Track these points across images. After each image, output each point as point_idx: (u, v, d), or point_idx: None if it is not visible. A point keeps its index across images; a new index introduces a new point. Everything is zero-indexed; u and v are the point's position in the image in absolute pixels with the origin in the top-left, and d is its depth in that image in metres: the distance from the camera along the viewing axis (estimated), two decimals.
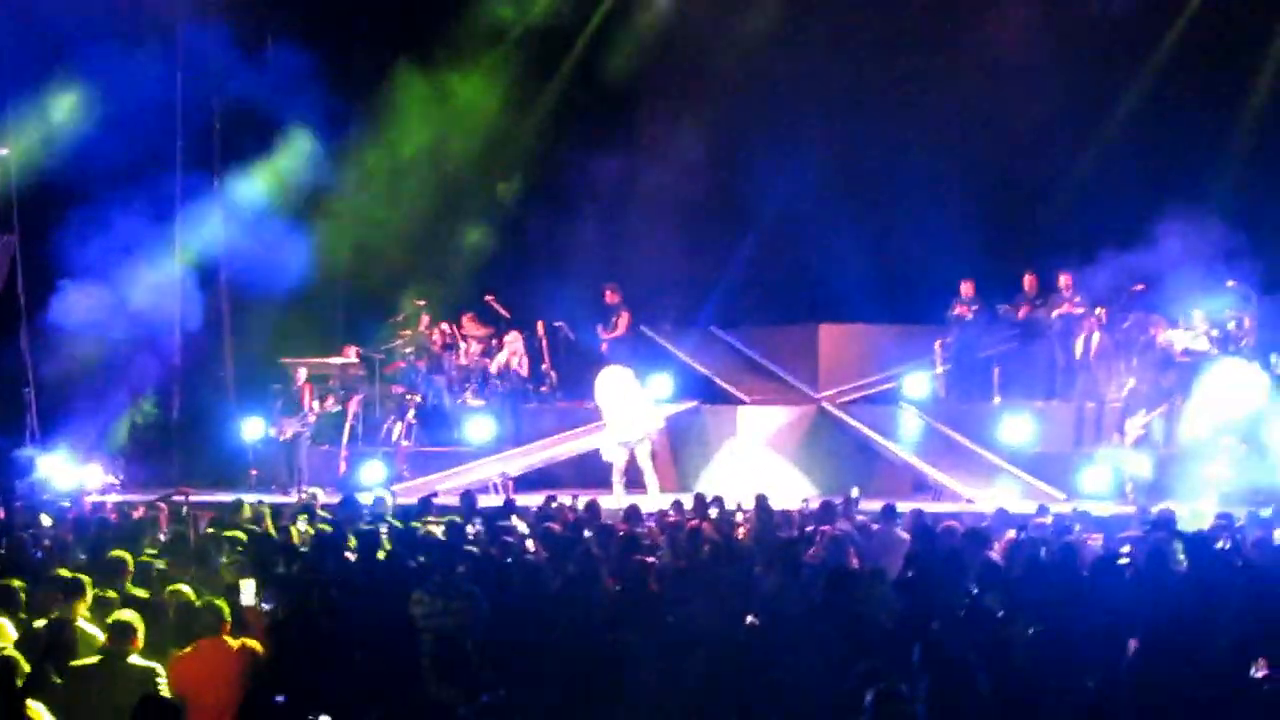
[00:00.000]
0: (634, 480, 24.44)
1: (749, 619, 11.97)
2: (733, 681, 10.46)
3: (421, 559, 14.45)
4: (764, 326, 29.80)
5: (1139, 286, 24.87)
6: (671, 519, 17.98)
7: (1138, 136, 27.20)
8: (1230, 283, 23.88)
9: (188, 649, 11.31)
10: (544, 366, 28.63)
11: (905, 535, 17.03)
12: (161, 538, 17.45)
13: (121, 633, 10.74)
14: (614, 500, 22.39)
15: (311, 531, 17.18)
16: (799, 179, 28.91)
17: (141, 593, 12.86)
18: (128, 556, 13.83)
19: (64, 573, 12.65)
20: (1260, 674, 10.62)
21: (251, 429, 26.44)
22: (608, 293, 28.15)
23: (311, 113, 28.77)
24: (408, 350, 28.30)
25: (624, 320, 27.84)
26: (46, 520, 19.05)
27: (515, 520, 17.91)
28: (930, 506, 20.66)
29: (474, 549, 15.40)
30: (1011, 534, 16.48)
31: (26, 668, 10.32)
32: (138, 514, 19.53)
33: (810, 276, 29.57)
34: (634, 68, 30.95)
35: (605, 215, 29.64)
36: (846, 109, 29.12)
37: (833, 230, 27.78)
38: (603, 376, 24.97)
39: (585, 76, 31.34)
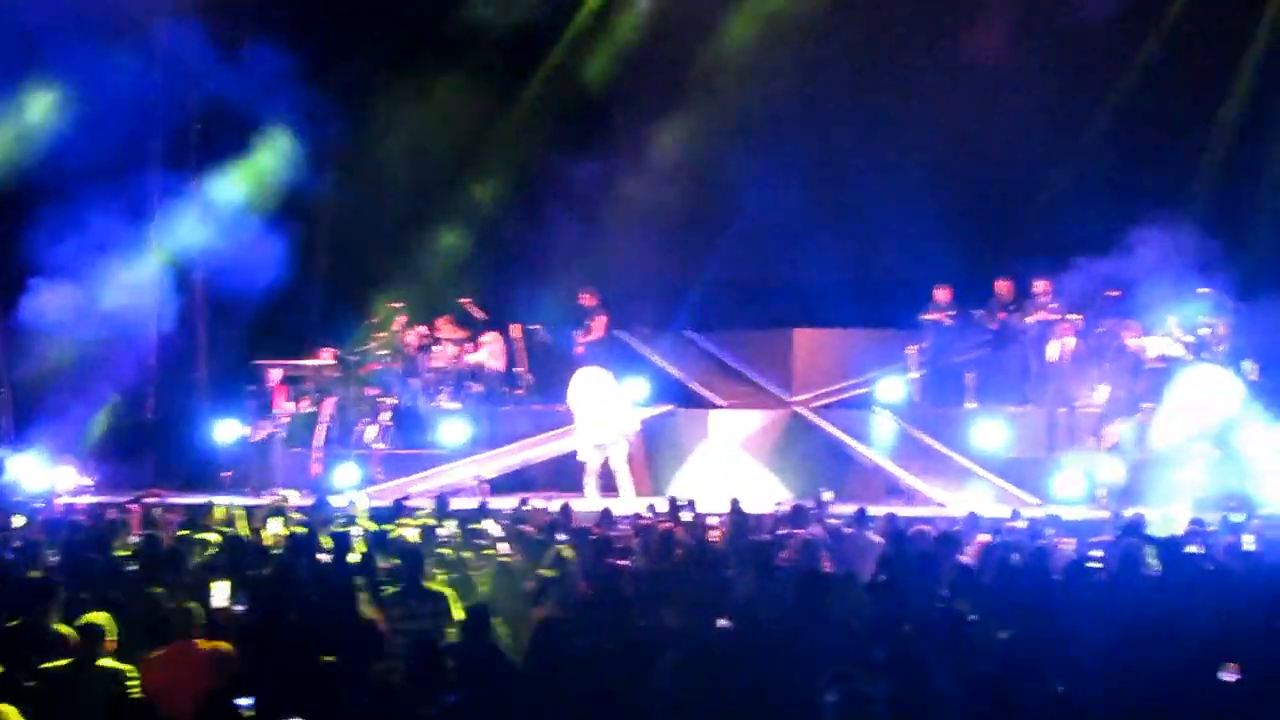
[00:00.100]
0: (607, 484, 24.48)
1: (721, 622, 11.97)
2: (705, 685, 10.45)
3: (395, 561, 14.44)
4: (738, 330, 29.78)
5: (1113, 293, 24.91)
6: (645, 522, 18.01)
7: (1113, 144, 27.33)
8: (1204, 289, 23.96)
9: (159, 651, 11.29)
10: (519, 369, 28.63)
11: (877, 539, 17.07)
12: (133, 539, 17.40)
13: (93, 635, 10.72)
14: (588, 503, 22.40)
15: (285, 533, 17.16)
16: (775, 184, 28.93)
17: (113, 595, 12.83)
18: (99, 558, 13.81)
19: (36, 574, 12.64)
20: (1230, 678, 10.65)
21: (225, 430, 26.38)
22: (583, 296, 28.11)
23: (289, 112, 28.68)
24: (383, 352, 28.23)
25: (599, 324, 27.81)
26: (18, 521, 19.00)
27: (488, 523, 17.90)
28: (903, 510, 20.67)
29: (446, 551, 15.45)
30: (984, 538, 16.54)
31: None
32: (110, 515, 19.48)
33: (785, 281, 29.58)
34: (612, 72, 31.01)
35: (581, 219, 29.60)
36: (823, 115, 29.19)
37: (808, 235, 27.84)
38: (578, 377, 25.02)
39: (563, 81, 31.36)
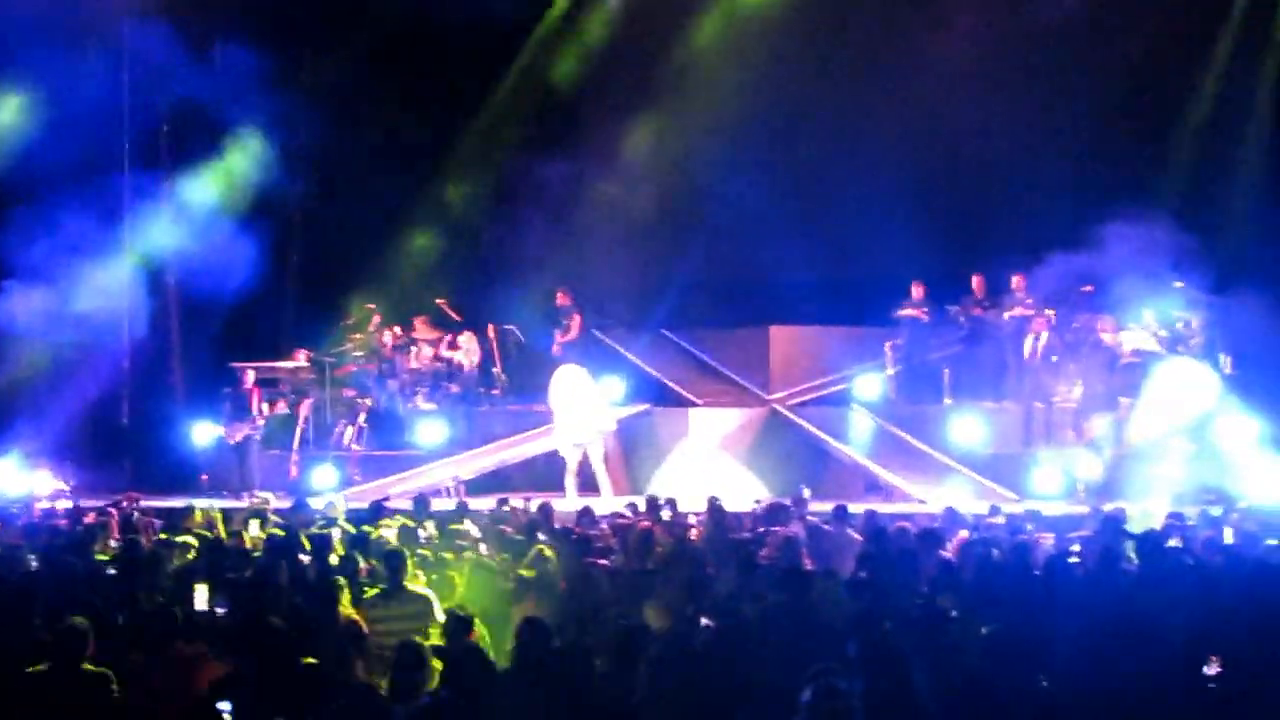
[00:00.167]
0: (586, 483, 24.49)
1: (703, 621, 11.97)
2: (687, 683, 10.45)
3: (374, 563, 14.41)
4: (715, 329, 29.81)
5: (1087, 288, 24.96)
6: (625, 521, 18.01)
7: (1085, 139, 27.35)
8: (1178, 283, 24.02)
9: (140, 656, 11.25)
10: (495, 369, 28.62)
11: (857, 536, 17.08)
12: (113, 543, 17.36)
13: (73, 640, 10.68)
14: (567, 502, 22.39)
15: (264, 536, 17.12)
16: (748, 182, 28.96)
17: (94, 599, 12.79)
18: (79, 562, 13.78)
19: None
20: (1212, 671, 10.67)
21: (202, 433, 26.31)
22: (559, 295, 28.12)
23: (260, 114, 28.64)
24: (358, 354, 28.22)
25: (576, 323, 27.81)
26: None
27: (467, 524, 17.88)
28: (882, 507, 20.68)
29: (427, 552, 15.43)
30: (964, 534, 16.56)
31: None
32: (88, 520, 19.42)
33: (760, 279, 29.59)
34: (582, 72, 31.02)
35: (555, 218, 29.62)
36: (794, 112, 29.26)
37: (782, 232, 27.84)
38: (559, 374, 25.05)
39: (534, 81, 31.36)
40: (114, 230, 28.11)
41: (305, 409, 26.86)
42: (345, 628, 11.76)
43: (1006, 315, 25.62)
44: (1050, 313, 24.97)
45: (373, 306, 28.78)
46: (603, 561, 15.26)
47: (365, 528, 17.20)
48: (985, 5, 28.66)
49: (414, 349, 28.38)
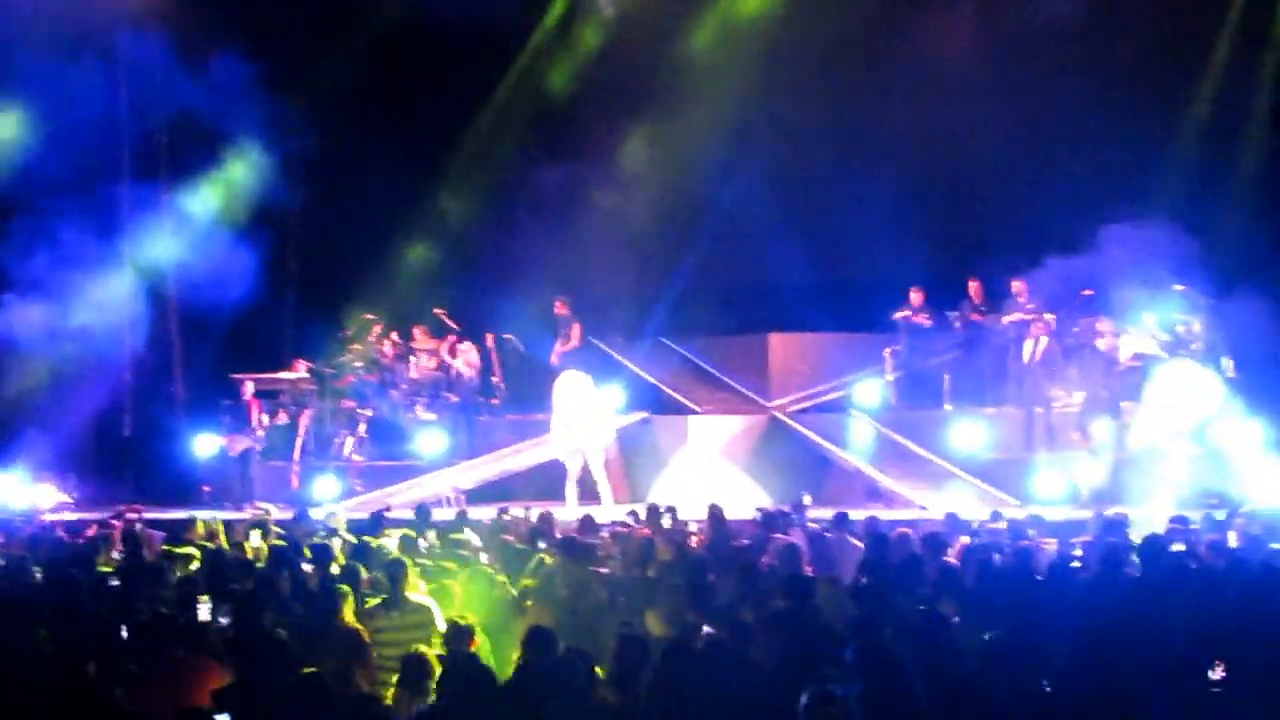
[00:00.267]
0: (586, 492, 24.48)
1: (704, 629, 11.95)
2: (689, 691, 10.43)
3: (376, 573, 14.39)
4: (714, 336, 29.82)
5: (1087, 292, 24.94)
6: (625, 529, 18.00)
7: (1084, 142, 27.31)
8: (1180, 287, 23.99)
9: (143, 666, 11.24)
10: (494, 379, 28.60)
11: (857, 543, 17.06)
12: (115, 555, 17.36)
13: (76, 651, 10.67)
14: (568, 511, 22.37)
15: (265, 547, 17.12)
16: (746, 188, 29.00)
17: (97, 611, 12.79)
18: (83, 575, 13.77)
19: None
20: (1216, 676, 10.65)
21: (203, 444, 26.31)
22: (558, 305, 28.11)
23: (258, 124, 28.65)
24: (358, 364, 28.22)
25: (576, 332, 27.81)
26: None
27: (468, 533, 17.88)
28: (883, 513, 20.66)
29: (428, 562, 15.42)
30: (965, 539, 16.55)
31: None
32: (91, 532, 19.42)
33: (759, 285, 29.63)
34: (580, 79, 31.02)
35: (553, 226, 29.61)
36: (791, 119, 29.22)
37: (781, 239, 27.87)
38: (562, 380, 25.05)
39: (530, 89, 31.38)
40: (113, 242, 28.12)
41: (306, 420, 26.87)
42: (346, 638, 11.76)
43: (1006, 320, 25.58)
44: (1050, 317, 24.93)
45: (372, 317, 28.77)
46: (604, 570, 15.24)
47: (366, 538, 17.18)
48: (983, 9, 28.70)
49: (413, 358, 28.36)
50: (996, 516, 18.69)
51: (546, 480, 25.57)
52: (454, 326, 28.55)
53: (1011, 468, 23.94)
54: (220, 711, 10.26)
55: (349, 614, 12.49)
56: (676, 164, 29.89)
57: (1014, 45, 27.97)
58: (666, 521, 18.52)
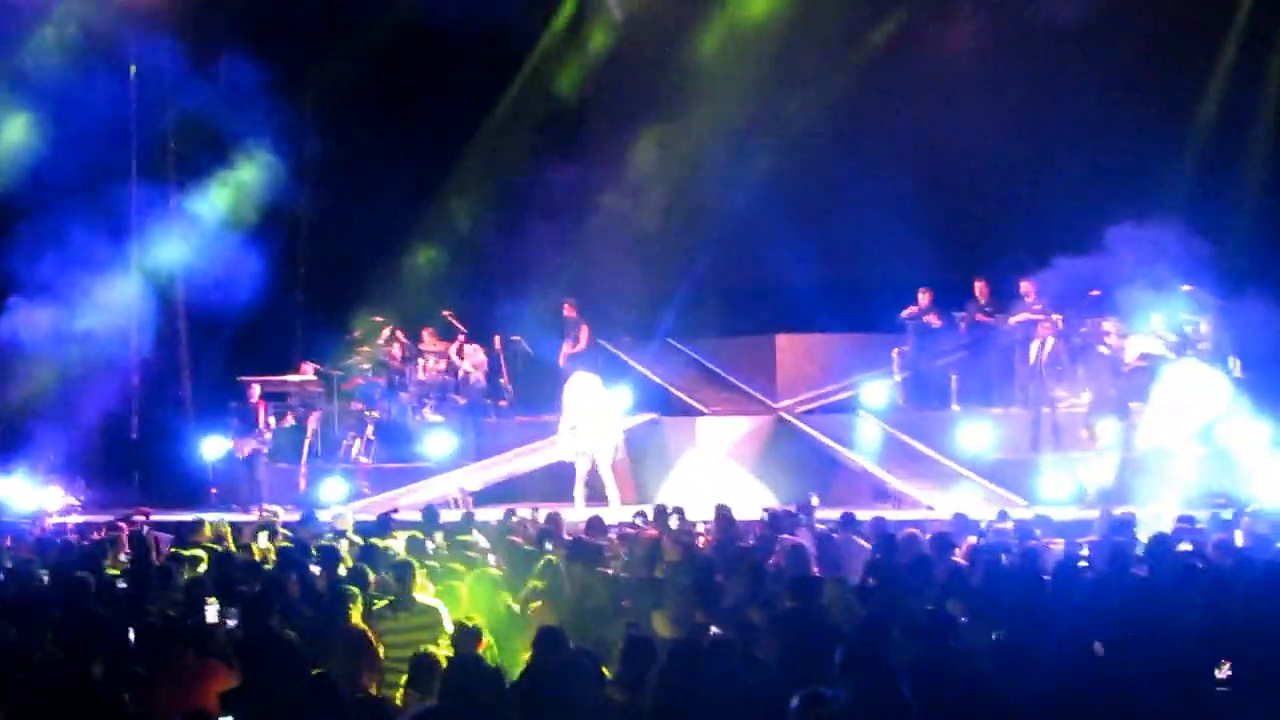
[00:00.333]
0: (594, 493, 24.49)
1: (712, 629, 11.96)
2: (695, 692, 10.44)
3: (384, 575, 14.40)
4: (721, 337, 29.80)
5: (1095, 292, 24.90)
6: (633, 530, 18.01)
7: (1091, 142, 27.30)
8: (1187, 287, 23.97)
9: (150, 668, 11.26)
10: (502, 381, 28.61)
11: (864, 543, 17.07)
12: (123, 558, 17.38)
13: (84, 652, 10.69)
14: (575, 512, 22.38)
15: (273, 549, 17.15)
16: (753, 190, 29.00)
17: (105, 613, 12.82)
18: (90, 577, 13.78)
19: None
20: (1223, 675, 10.65)
21: (211, 447, 26.33)
22: (566, 307, 28.12)
23: (266, 126, 28.67)
24: (366, 366, 28.23)
25: (585, 334, 27.81)
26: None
27: (476, 535, 17.89)
28: (891, 514, 20.67)
29: (435, 563, 15.42)
30: (972, 540, 16.55)
31: None
32: (99, 534, 19.45)
33: (767, 287, 29.63)
34: (587, 82, 31.07)
35: (561, 229, 29.61)
36: (799, 120, 29.26)
37: (788, 240, 27.82)
38: (574, 381, 25.03)
39: (539, 91, 31.39)
40: (121, 244, 28.16)
41: (313, 422, 26.88)
42: (353, 639, 11.78)
43: (1013, 320, 25.55)
44: (1058, 317, 24.92)
45: (380, 319, 28.78)
46: (611, 571, 15.25)
47: (374, 540, 17.19)
48: (990, 9, 28.69)
49: (421, 361, 28.37)
50: (1004, 517, 18.70)
51: (554, 481, 25.57)
52: (462, 328, 28.57)
53: (1018, 468, 23.91)
54: (228, 714, 10.29)
55: (357, 616, 12.51)
56: (684, 166, 29.93)
57: (1021, 46, 28.01)
58: (674, 522, 18.53)
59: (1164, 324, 23.84)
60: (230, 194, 29.03)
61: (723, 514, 18.54)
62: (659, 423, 27.25)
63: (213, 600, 12.67)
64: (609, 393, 25.36)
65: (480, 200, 31.33)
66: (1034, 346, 24.91)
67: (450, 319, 28.66)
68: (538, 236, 29.34)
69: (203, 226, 28.75)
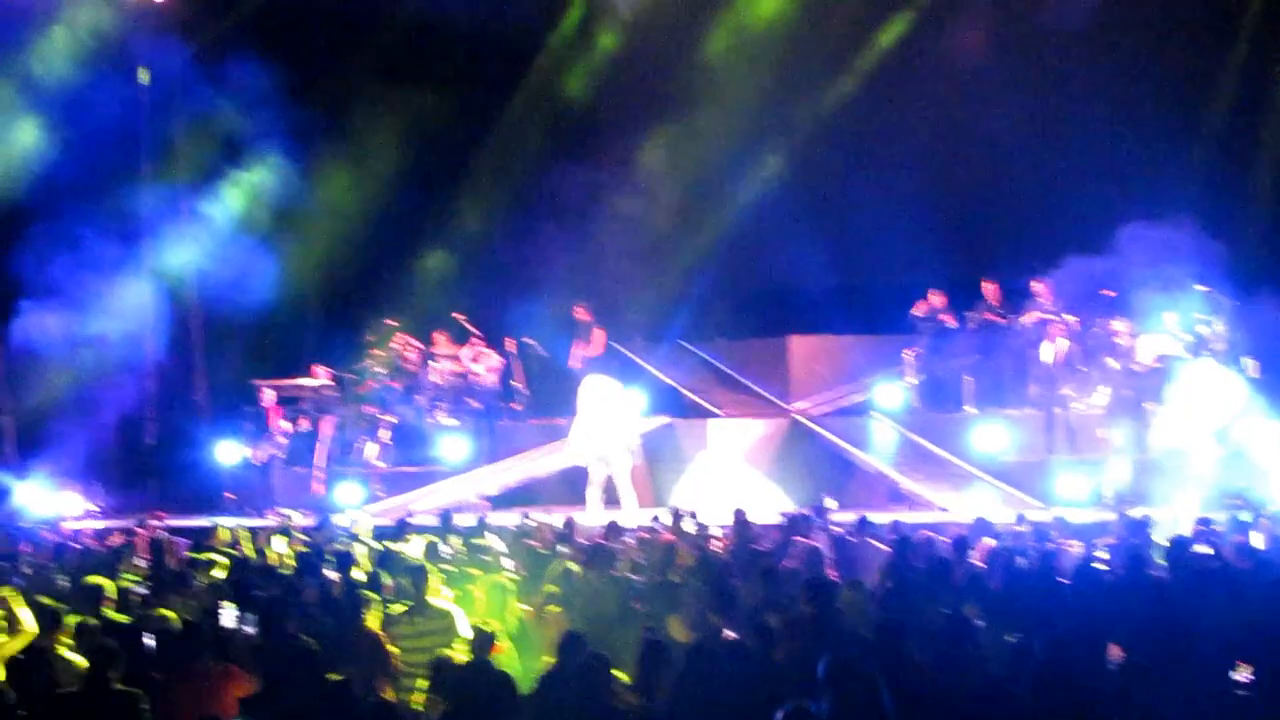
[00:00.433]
0: (609, 497, 24.46)
1: (727, 633, 11.96)
2: (710, 696, 10.44)
3: (400, 579, 14.40)
4: (734, 339, 29.77)
5: (1108, 293, 24.88)
6: (648, 534, 18.00)
7: (1103, 143, 27.28)
8: (1201, 287, 23.94)
9: (169, 674, 11.28)
10: (515, 383, 28.60)
11: (880, 546, 17.06)
12: (140, 563, 17.40)
13: (103, 660, 10.70)
14: (591, 516, 22.37)
15: (289, 553, 17.16)
16: (765, 191, 29.02)
17: (122, 618, 12.85)
18: (107, 582, 13.79)
19: (45, 600, 12.64)
20: (1241, 677, 10.63)
21: (226, 452, 26.34)
22: (579, 310, 28.05)
23: (278, 129, 28.68)
24: (380, 370, 28.22)
25: (599, 336, 27.75)
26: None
27: (492, 538, 17.88)
28: (906, 516, 20.65)
29: (451, 568, 15.44)
30: (990, 542, 16.53)
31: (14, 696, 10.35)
32: (115, 540, 19.47)
33: (779, 288, 29.65)
34: (597, 84, 31.07)
35: (573, 231, 29.58)
36: (810, 122, 29.25)
37: (800, 242, 27.84)
38: (589, 384, 24.96)
39: (549, 94, 31.41)
40: (134, 248, 28.20)
41: (328, 426, 26.87)
42: (369, 644, 11.78)
43: (1025, 320, 25.49)
44: (1071, 318, 24.88)
45: (394, 323, 28.76)
46: (626, 575, 15.25)
47: (389, 544, 17.20)
48: (1002, 10, 28.67)
49: (434, 364, 28.36)
50: (1021, 519, 18.66)
51: (568, 485, 25.54)
52: (475, 331, 28.55)
53: (1033, 470, 23.87)
54: (245, 718, 10.31)
55: (373, 621, 12.52)
56: (694, 167, 29.93)
57: (1032, 47, 28.01)
58: (689, 526, 18.53)
59: (1179, 324, 23.79)
60: (242, 196, 29.06)
61: (739, 517, 18.52)
62: (672, 426, 27.21)
63: (228, 605, 12.66)
64: (625, 396, 25.30)
65: (491, 203, 31.35)
66: (1046, 347, 24.88)
67: (463, 322, 28.64)
68: (548, 239, 29.34)
69: (215, 229, 28.77)
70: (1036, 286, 25.41)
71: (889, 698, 9.11)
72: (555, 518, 19.36)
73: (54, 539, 20.27)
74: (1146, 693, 10.08)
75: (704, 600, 12.97)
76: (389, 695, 11.15)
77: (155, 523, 21.24)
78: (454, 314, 28.81)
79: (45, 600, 12.64)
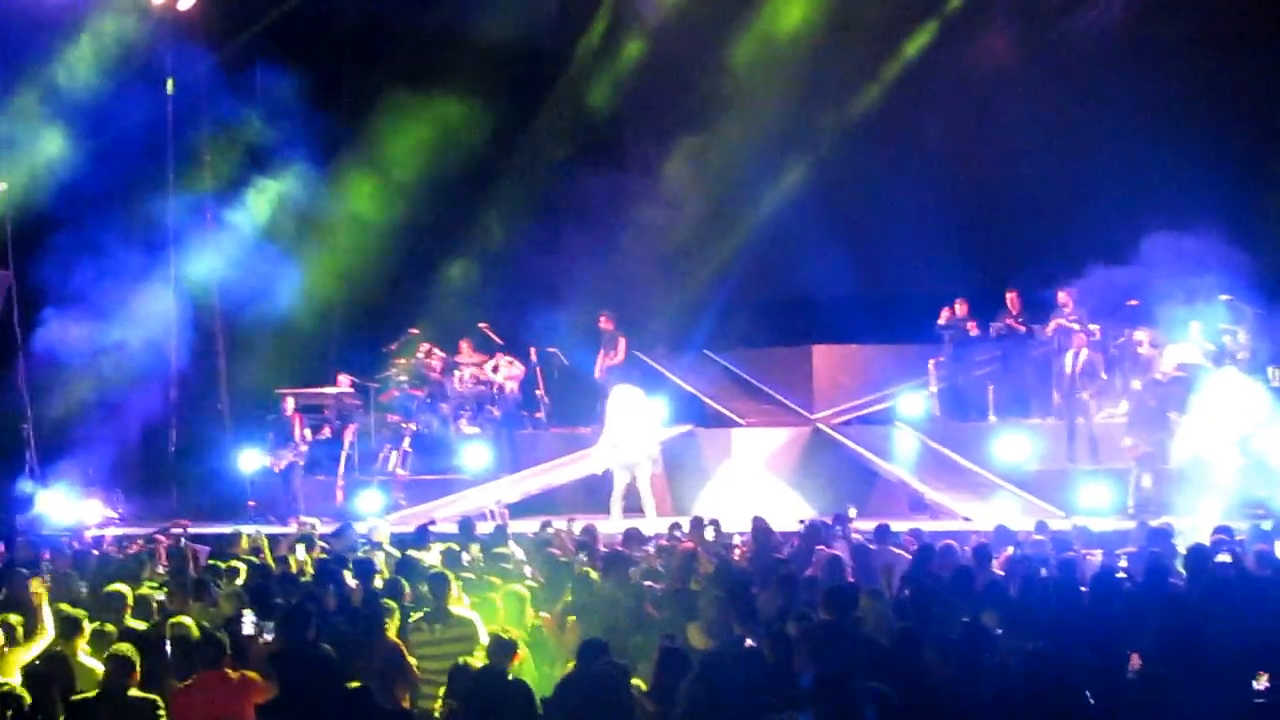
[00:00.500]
0: (630, 505, 24.45)
1: (747, 641, 11.95)
2: (728, 703, 10.43)
3: (420, 586, 14.40)
4: (757, 348, 29.79)
5: (1132, 302, 24.83)
6: (669, 542, 17.98)
7: (1127, 152, 27.17)
8: (1225, 297, 23.87)
9: (188, 681, 11.30)
10: (538, 393, 28.61)
11: (901, 554, 17.03)
12: (161, 570, 17.43)
13: (120, 666, 10.72)
14: (612, 524, 22.35)
15: (310, 561, 17.17)
16: (788, 201, 29.00)
17: (140, 625, 12.87)
18: (127, 590, 13.81)
19: (64, 608, 12.65)
20: (1262, 687, 10.60)
21: (248, 459, 26.36)
22: (602, 319, 28.02)
23: (302, 138, 28.73)
24: (402, 378, 28.25)
25: (623, 346, 27.73)
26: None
27: (512, 546, 17.86)
28: (928, 525, 20.62)
29: (471, 575, 15.43)
30: (1010, 551, 16.51)
31: (29, 701, 10.35)
32: (136, 547, 19.50)
33: (802, 298, 29.60)
34: (622, 94, 31.07)
35: (596, 240, 29.58)
36: (833, 131, 29.24)
37: (824, 251, 27.81)
38: (617, 393, 24.94)
39: (574, 104, 31.40)
40: (158, 256, 28.23)
41: (350, 434, 26.90)
42: (387, 652, 11.78)
43: (1049, 330, 25.43)
44: (1095, 328, 24.83)
45: (417, 331, 28.78)
46: (647, 582, 15.23)
47: (410, 551, 17.20)
48: (1026, 19, 28.62)
49: (457, 373, 28.37)
50: (1041, 528, 18.61)
51: (589, 493, 25.53)
52: (498, 341, 28.58)
53: (1055, 479, 23.79)
54: None
55: (393, 630, 12.53)
56: (718, 177, 29.93)
57: (1055, 56, 27.96)
58: (710, 534, 18.49)
59: (1202, 334, 23.71)
60: (266, 205, 29.10)
61: (759, 526, 18.49)
62: (694, 434, 27.22)
63: (249, 612, 12.67)
64: (650, 404, 25.28)
65: (515, 212, 31.34)
66: (1068, 357, 24.82)
67: (486, 331, 28.66)
68: (572, 248, 29.33)
69: (239, 238, 28.81)
70: (1061, 296, 25.35)
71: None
72: (575, 526, 19.37)
73: (75, 546, 20.34)
74: (1166, 702, 10.07)
75: (723, 608, 12.95)
76: (406, 703, 11.15)
77: (177, 530, 21.28)
78: (478, 323, 28.84)
79: (65, 608, 12.60)
